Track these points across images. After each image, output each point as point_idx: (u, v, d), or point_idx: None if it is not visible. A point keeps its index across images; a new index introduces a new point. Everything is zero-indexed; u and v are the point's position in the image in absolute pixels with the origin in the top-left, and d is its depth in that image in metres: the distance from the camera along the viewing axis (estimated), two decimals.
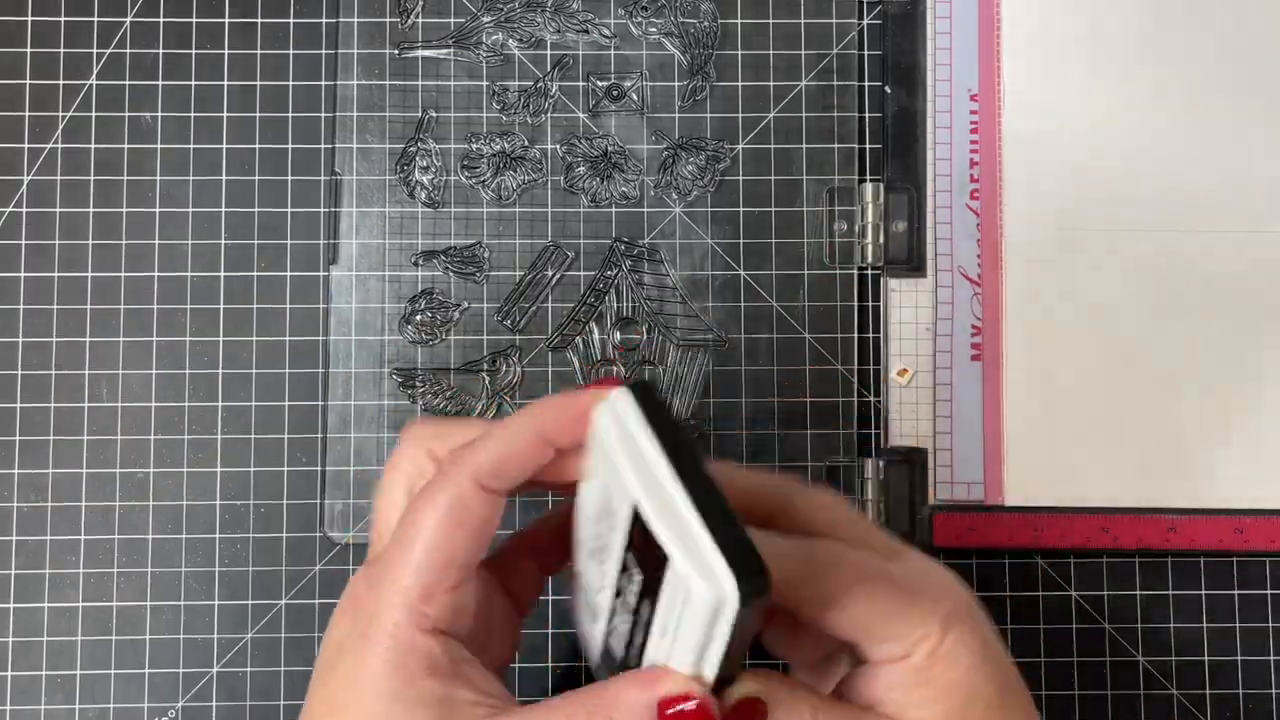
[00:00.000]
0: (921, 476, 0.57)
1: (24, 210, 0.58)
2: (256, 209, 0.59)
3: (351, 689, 0.38)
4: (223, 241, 0.59)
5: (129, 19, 0.60)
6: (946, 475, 0.57)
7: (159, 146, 0.59)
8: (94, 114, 0.59)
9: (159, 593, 0.57)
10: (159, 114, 0.59)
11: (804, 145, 0.59)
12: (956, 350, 0.58)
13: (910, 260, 0.58)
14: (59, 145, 0.58)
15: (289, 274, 0.59)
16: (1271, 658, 0.57)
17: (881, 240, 0.58)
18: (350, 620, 0.39)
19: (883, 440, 0.58)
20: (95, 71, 0.59)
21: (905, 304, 0.58)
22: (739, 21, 0.60)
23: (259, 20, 0.60)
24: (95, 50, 0.59)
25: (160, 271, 0.59)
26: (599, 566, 0.38)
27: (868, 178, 0.59)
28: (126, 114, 0.59)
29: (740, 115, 0.59)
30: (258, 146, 0.59)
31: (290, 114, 0.59)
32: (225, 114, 0.59)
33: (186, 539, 0.58)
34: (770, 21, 0.60)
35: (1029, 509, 0.57)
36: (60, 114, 0.59)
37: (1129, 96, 0.59)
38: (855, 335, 0.58)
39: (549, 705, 0.38)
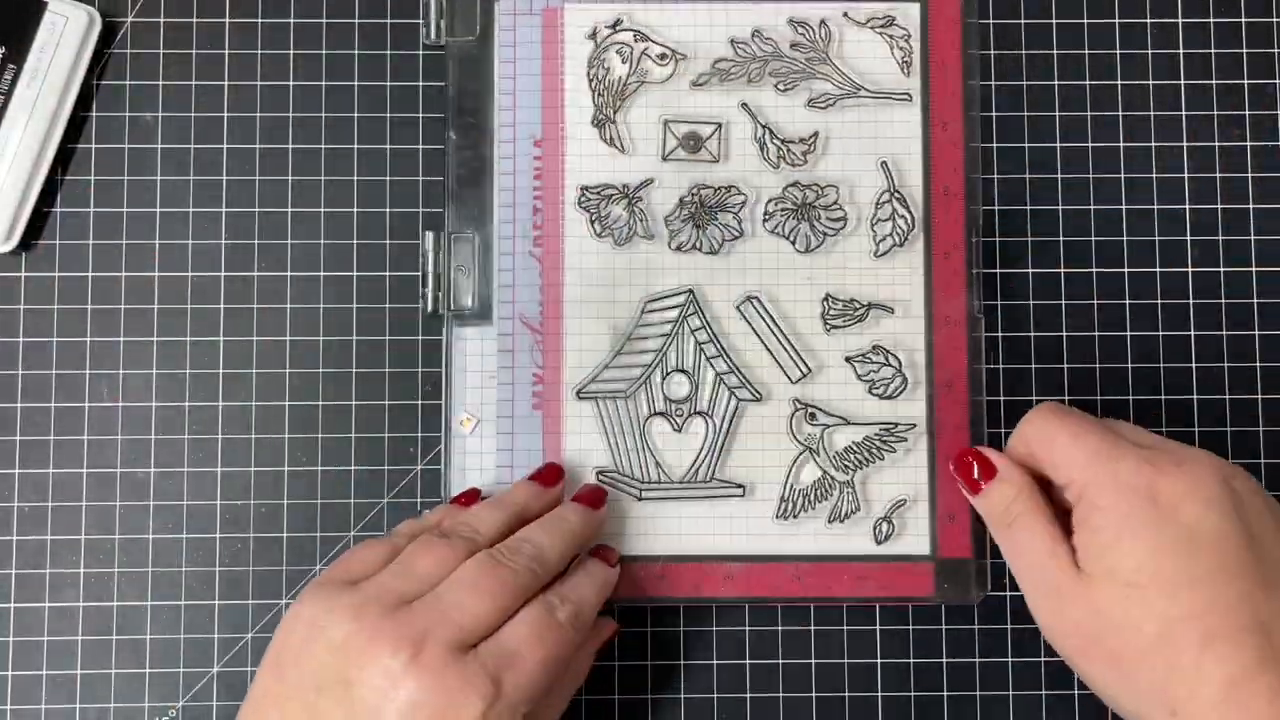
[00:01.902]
0: None
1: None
2: (257, 209, 0.59)
3: None
4: (223, 241, 0.59)
5: (129, 19, 0.60)
6: None
7: (159, 146, 0.59)
8: (94, 114, 0.59)
9: (159, 592, 0.57)
10: (159, 114, 0.59)
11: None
12: (518, 399, 0.58)
13: (472, 308, 0.58)
14: (60, 145, 0.58)
15: (289, 274, 0.59)
16: None
17: (444, 289, 0.58)
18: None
19: (446, 489, 0.58)
20: (96, 71, 0.59)
21: (471, 351, 0.58)
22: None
23: (259, 20, 0.60)
24: (96, 50, 0.59)
25: (161, 271, 0.59)
26: None
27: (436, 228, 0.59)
28: (127, 114, 0.59)
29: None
30: (258, 147, 0.59)
31: (291, 114, 0.60)
32: (226, 114, 0.59)
33: (187, 539, 0.58)
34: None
35: None
36: None
37: None
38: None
39: None
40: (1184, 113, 0.60)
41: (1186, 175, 0.60)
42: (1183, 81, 0.60)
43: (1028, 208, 0.59)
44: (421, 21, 0.60)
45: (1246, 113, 0.60)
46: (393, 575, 0.49)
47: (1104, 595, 0.48)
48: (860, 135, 0.59)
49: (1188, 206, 0.59)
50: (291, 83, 0.60)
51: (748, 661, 0.57)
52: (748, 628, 0.58)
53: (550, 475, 0.56)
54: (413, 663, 0.45)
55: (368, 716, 0.45)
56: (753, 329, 0.58)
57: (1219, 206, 0.59)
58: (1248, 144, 0.60)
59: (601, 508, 0.56)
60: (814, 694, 0.57)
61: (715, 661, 0.57)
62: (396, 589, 0.48)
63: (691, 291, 0.58)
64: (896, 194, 0.58)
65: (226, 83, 0.60)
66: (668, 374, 0.58)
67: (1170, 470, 0.48)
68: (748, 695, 0.57)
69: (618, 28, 0.59)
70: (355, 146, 0.60)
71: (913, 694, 0.57)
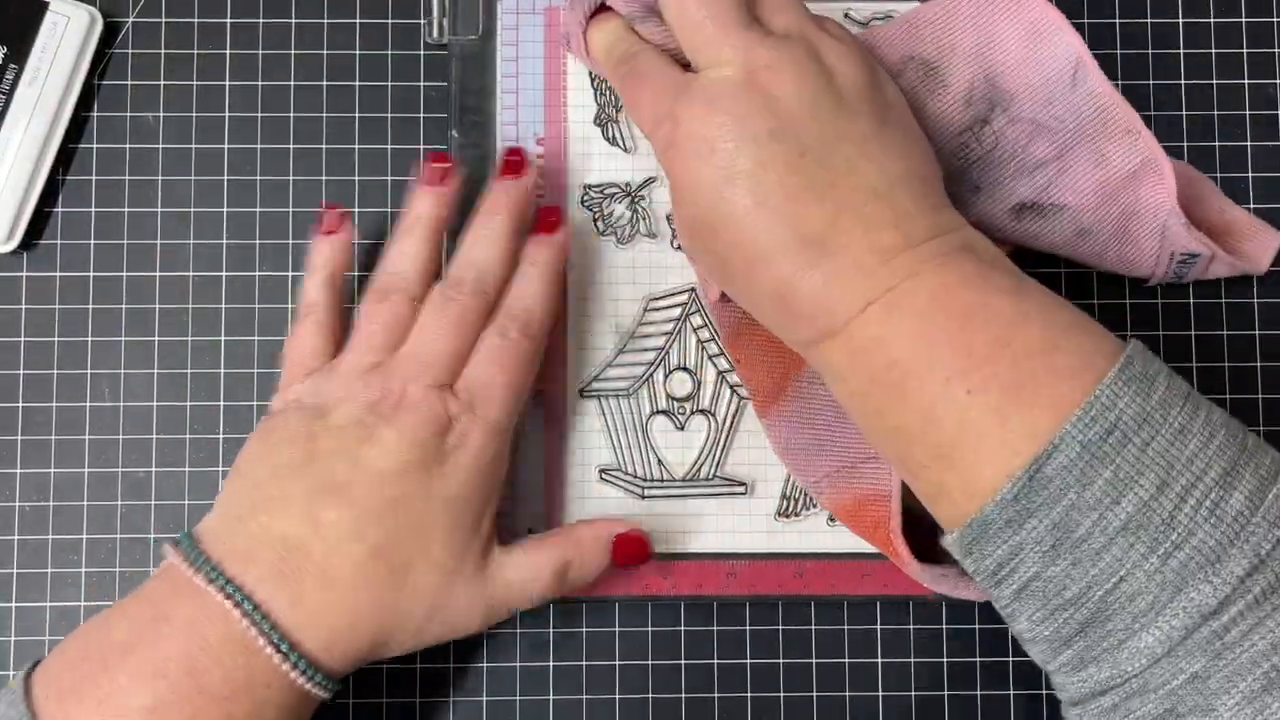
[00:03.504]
0: None
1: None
2: (258, 209, 0.59)
3: None
4: (224, 241, 0.59)
5: (131, 19, 0.60)
6: (509, 523, 0.54)
7: (161, 146, 0.59)
8: (96, 114, 0.59)
9: None
10: (161, 114, 0.59)
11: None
12: None
13: None
14: (61, 145, 0.58)
15: (290, 274, 0.59)
16: None
17: None
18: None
19: None
20: (98, 71, 0.59)
21: None
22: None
23: (260, 20, 0.60)
24: (97, 50, 0.59)
25: (162, 271, 0.59)
26: None
27: None
28: (128, 114, 0.59)
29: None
30: (259, 147, 0.59)
31: (292, 114, 0.60)
32: (227, 114, 0.59)
33: None
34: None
35: None
36: None
37: None
38: None
39: (535, 539, 0.54)
40: (1184, 113, 0.60)
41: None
42: (1182, 82, 0.60)
43: None
44: (424, 20, 0.60)
45: (1246, 113, 0.60)
46: (358, 354, 0.52)
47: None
48: None
49: None
50: (292, 83, 0.60)
51: (748, 660, 0.57)
52: (749, 627, 0.58)
53: (514, 167, 0.56)
54: (400, 407, 0.50)
55: (363, 470, 0.49)
56: None
57: None
58: (1248, 144, 0.60)
59: (522, 173, 0.55)
60: (815, 693, 0.57)
61: (716, 660, 0.57)
62: (368, 361, 0.52)
63: (694, 290, 0.58)
64: None
65: (228, 83, 0.60)
66: (670, 372, 0.58)
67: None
68: (748, 694, 0.57)
69: None
70: (356, 146, 0.60)
71: (913, 693, 0.57)
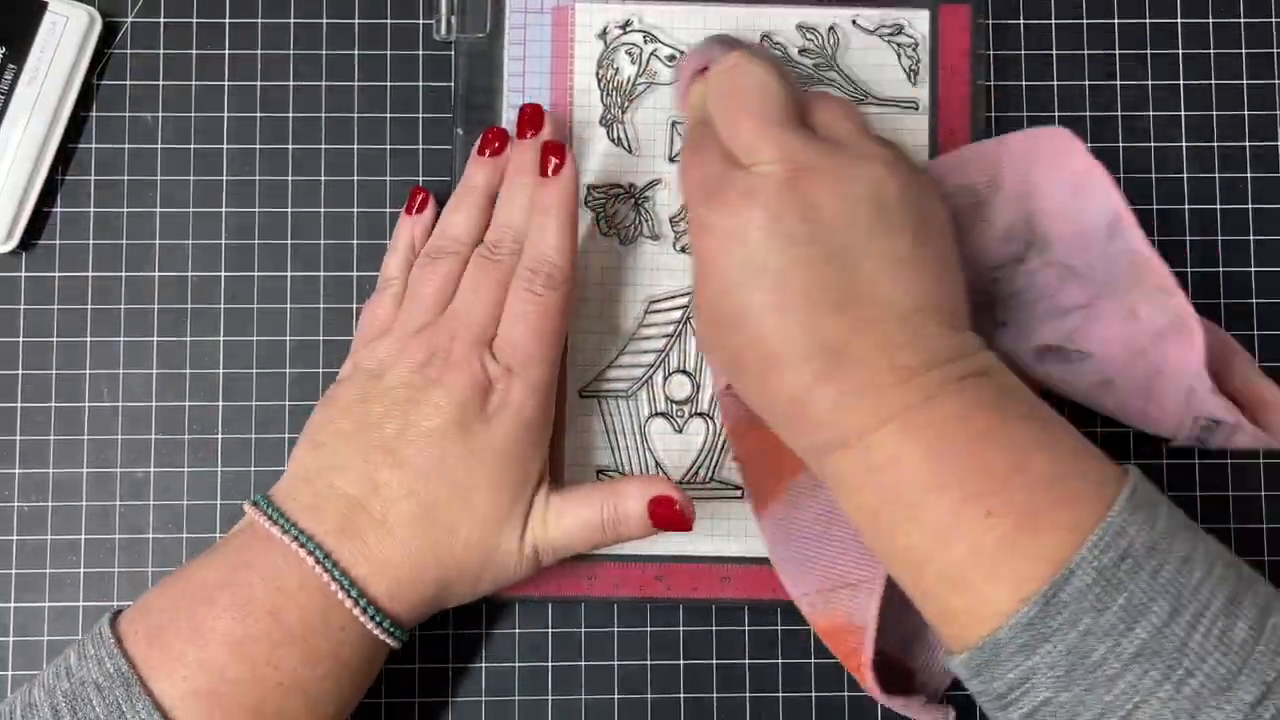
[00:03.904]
0: None
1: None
2: (257, 209, 0.59)
3: None
4: (223, 242, 0.59)
5: (129, 19, 0.60)
6: None
7: (159, 147, 0.59)
8: (94, 114, 0.59)
9: None
10: (160, 114, 0.59)
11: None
12: None
13: None
14: (60, 145, 0.58)
15: (289, 274, 0.59)
16: None
17: None
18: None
19: None
20: (96, 71, 0.59)
21: None
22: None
23: (259, 20, 0.60)
24: (96, 50, 0.58)
25: (161, 272, 0.59)
26: None
27: None
28: (127, 114, 0.59)
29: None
30: (258, 147, 0.59)
31: (291, 115, 0.59)
32: (226, 114, 0.59)
33: (188, 538, 0.58)
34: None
35: (584, 556, 0.57)
36: None
37: None
38: None
39: (584, 488, 0.53)
40: (1183, 113, 0.60)
41: (1186, 176, 0.60)
42: (1182, 82, 0.60)
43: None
44: (431, 18, 0.60)
45: (1246, 113, 0.60)
46: (410, 315, 0.54)
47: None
48: None
49: (1187, 207, 0.60)
50: (292, 83, 0.60)
51: (747, 661, 0.58)
52: (747, 627, 0.58)
53: (531, 120, 0.56)
54: (446, 365, 0.51)
55: (412, 430, 0.51)
56: None
57: (1218, 207, 0.60)
58: (1247, 144, 0.60)
59: (540, 128, 0.56)
60: (814, 694, 0.57)
61: (715, 661, 0.58)
62: (418, 320, 0.54)
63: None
64: None
65: (227, 83, 0.60)
66: (670, 374, 0.58)
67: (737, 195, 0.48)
68: (747, 695, 0.57)
69: (628, 28, 0.59)
70: (355, 147, 0.59)
71: None
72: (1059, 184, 0.53)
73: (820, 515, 0.53)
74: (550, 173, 0.54)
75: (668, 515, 0.52)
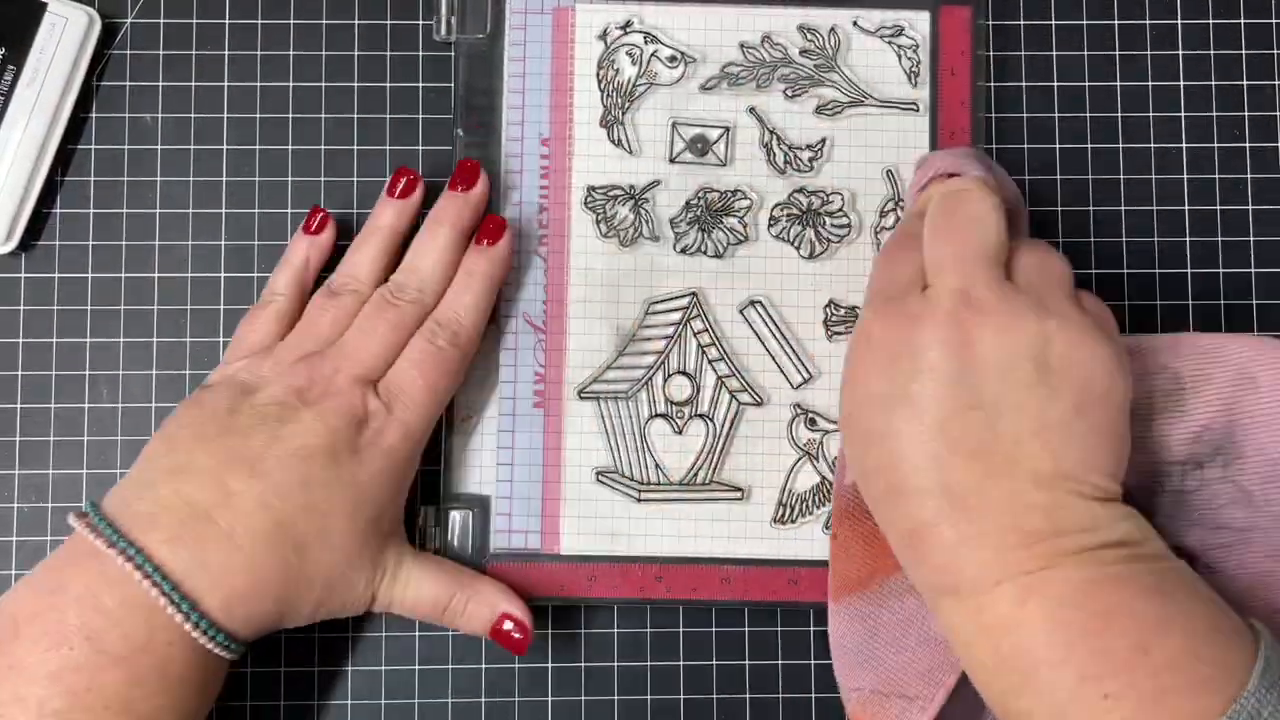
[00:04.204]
0: (484, 524, 0.57)
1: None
2: (257, 210, 0.59)
3: None
4: (223, 243, 0.59)
5: (129, 20, 0.60)
6: (505, 524, 0.57)
7: (159, 147, 0.59)
8: (94, 115, 0.59)
9: None
10: (159, 115, 0.59)
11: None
12: (519, 397, 0.58)
13: None
14: (59, 146, 0.58)
15: None
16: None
17: None
18: None
19: (445, 488, 0.58)
20: (96, 72, 0.59)
21: None
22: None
23: (259, 21, 0.60)
24: (96, 51, 0.58)
25: (160, 272, 0.59)
26: None
27: None
28: (127, 115, 0.59)
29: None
30: (258, 148, 0.59)
31: (290, 115, 0.59)
32: (226, 115, 0.59)
33: None
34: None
35: (584, 558, 0.57)
36: None
37: None
38: None
39: (443, 567, 0.54)
40: (1183, 114, 0.60)
41: (1185, 176, 0.60)
42: (1181, 83, 0.60)
43: (1026, 210, 0.59)
44: (431, 19, 0.60)
45: (1246, 114, 0.60)
46: (297, 341, 0.54)
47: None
48: (867, 144, 0.59)
49: (1187, 208, 0.60)
50: (291, 83, 0.60)
51: (747, 662, 0.58)
52: (747, 629, 0.58)
53: (465, 176, 0.57)
54: (325, 393, 0.52)
55: (279, 446, 0.50)
56: (755, 333, 0.58)
57: (1218, 208, 0.60)
58: (1247, 145, 0.60)
59: (473, 185, 0.56)
60: (814, 695, 0.57)
61: (715, 662, 0.58)
62: (306, 348, 0.54)
63: (695, 294, 0.58)
64: (902, 203, 0.58)
65: (226, 84, 0.60)
66: (669, 376, 0.58)
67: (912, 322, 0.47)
68: (747, 696, 0.57)
69: (628, 29, 0.59)
70: (355, 148, 0.59)
71: None
72: (1276, 391, 0.50)
73: (901, 621, 0.52)
74: (487, 243, 0.55)
75: (508, 639, 0.54)
